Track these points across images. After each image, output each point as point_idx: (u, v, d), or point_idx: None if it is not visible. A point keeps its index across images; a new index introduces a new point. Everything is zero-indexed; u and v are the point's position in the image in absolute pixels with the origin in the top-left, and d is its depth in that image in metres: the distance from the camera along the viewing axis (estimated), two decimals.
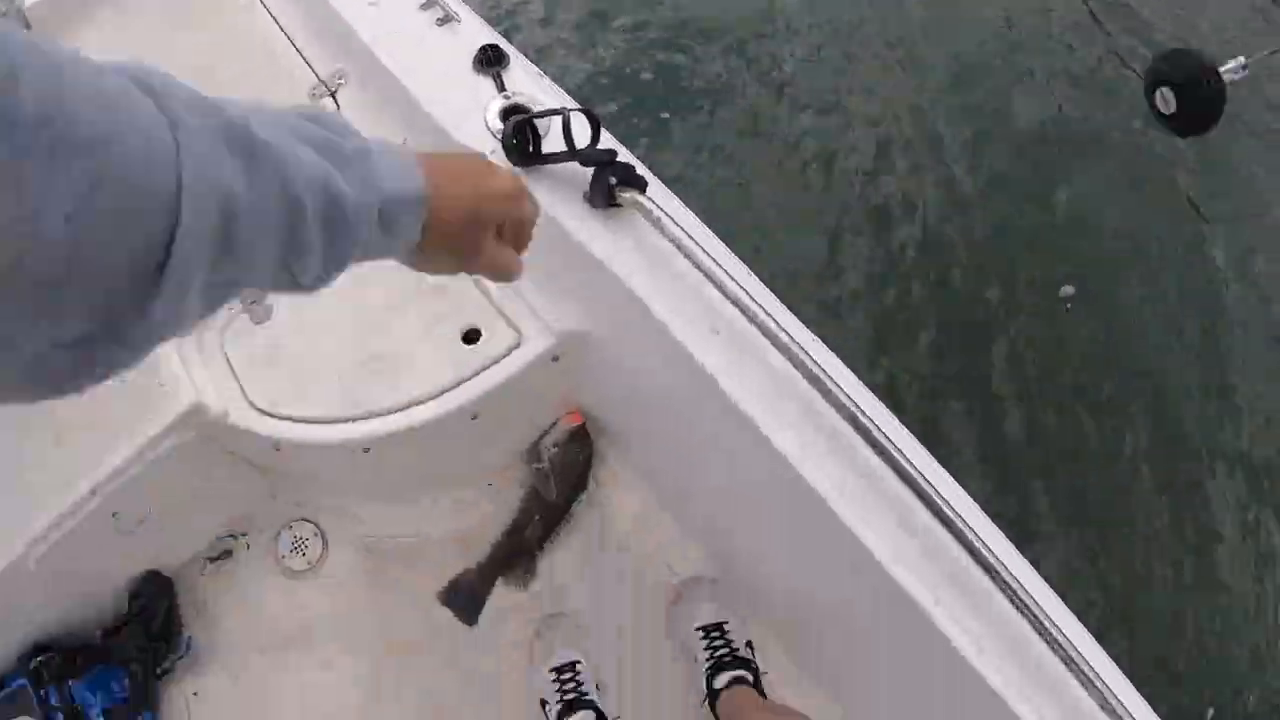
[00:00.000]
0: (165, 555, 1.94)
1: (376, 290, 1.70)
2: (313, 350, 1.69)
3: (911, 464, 1.20)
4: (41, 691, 1.87)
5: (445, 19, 1.83)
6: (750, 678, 1.69)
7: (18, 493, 1.68)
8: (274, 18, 2.18)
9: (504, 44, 1.76)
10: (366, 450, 1.62)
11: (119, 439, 1.65)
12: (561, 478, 1.76)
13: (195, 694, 1.93)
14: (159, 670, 1.93)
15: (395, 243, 0.67)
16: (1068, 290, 2.95)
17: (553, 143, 1.55)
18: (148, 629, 1.92)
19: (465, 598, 1.73)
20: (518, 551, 1.77)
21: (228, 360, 1.72)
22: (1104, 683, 1.10)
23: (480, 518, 1.88)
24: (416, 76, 1.76)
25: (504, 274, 0.81)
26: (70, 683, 1.89)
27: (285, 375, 1.68)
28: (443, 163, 0.71)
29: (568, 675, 1.70)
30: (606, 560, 1.88)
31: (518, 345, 1.62)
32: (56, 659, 1.91)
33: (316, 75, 1.99)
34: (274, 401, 1.66)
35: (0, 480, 1.72)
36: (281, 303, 1.74)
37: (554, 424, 1.81)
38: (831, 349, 1.36)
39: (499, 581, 1.75)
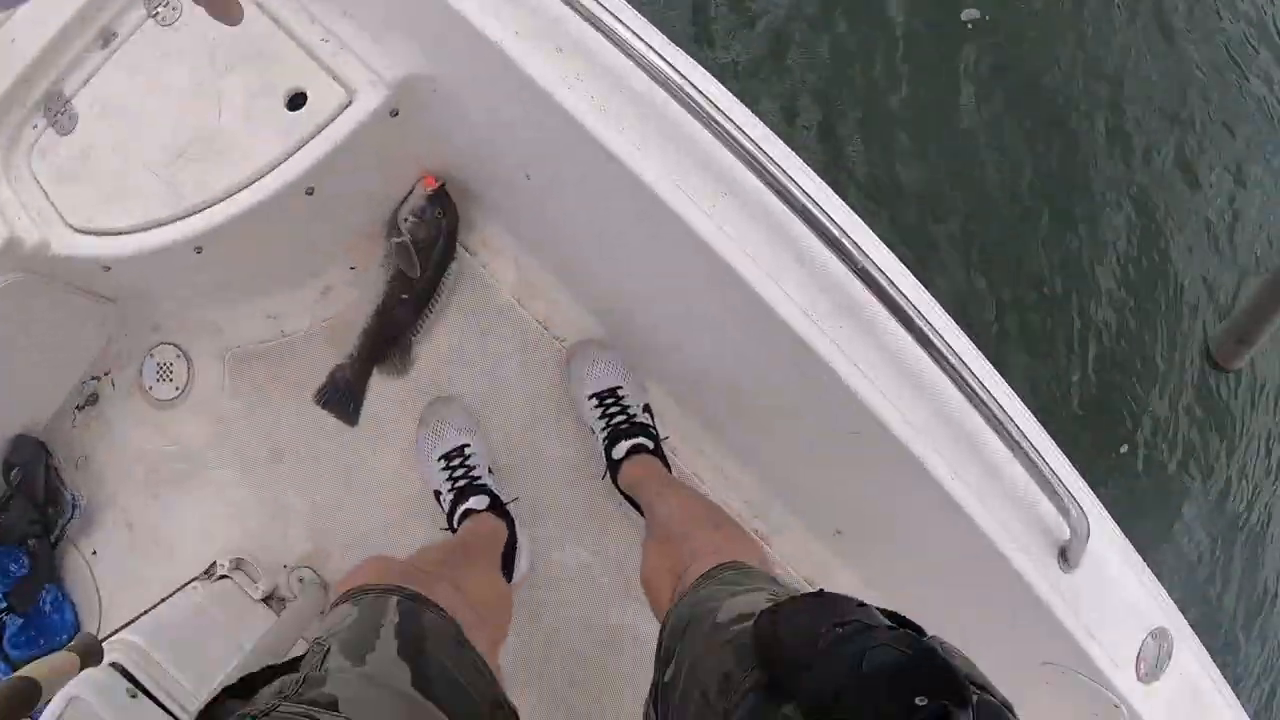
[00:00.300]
0: (30, 416, 1.80)
1: (181, 69, 1.51)
2: (124, 150, 1.50)
3: (795, 184, 1.06)
4: None
5: None
6: (650, 445, 1.60)
7: None
8: None
9: None
10: (199, 250, 1.47)
11: None
12: (424, 251, 1.61)
13: (94, 553, 1.85)
14: (52, 537, 1.83)
15: None
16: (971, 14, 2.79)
17: None
18: (32, 498, 1.82)
19: (342, 395, 1.63)
20: (389, 337, 1.65)
21: (37, 180, 1.54)
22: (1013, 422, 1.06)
23: (344, 306, 1.75)
24: None
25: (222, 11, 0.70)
26: None
27: (100, 184, 1.50)
28: None
29: (457, 461, 1.61)
30: (489, 335, 1.77)
31: (349, 104, 1.45)
32: None
33: None
34: (91, 218, 1.49)
35: None
36: (85, 103, 1.56)
37: (410, 192, 1.65)
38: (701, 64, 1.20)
39: (374, 373, 1.63)
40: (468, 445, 1.62)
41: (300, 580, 1.72)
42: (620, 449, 1.57)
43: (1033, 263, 2.64)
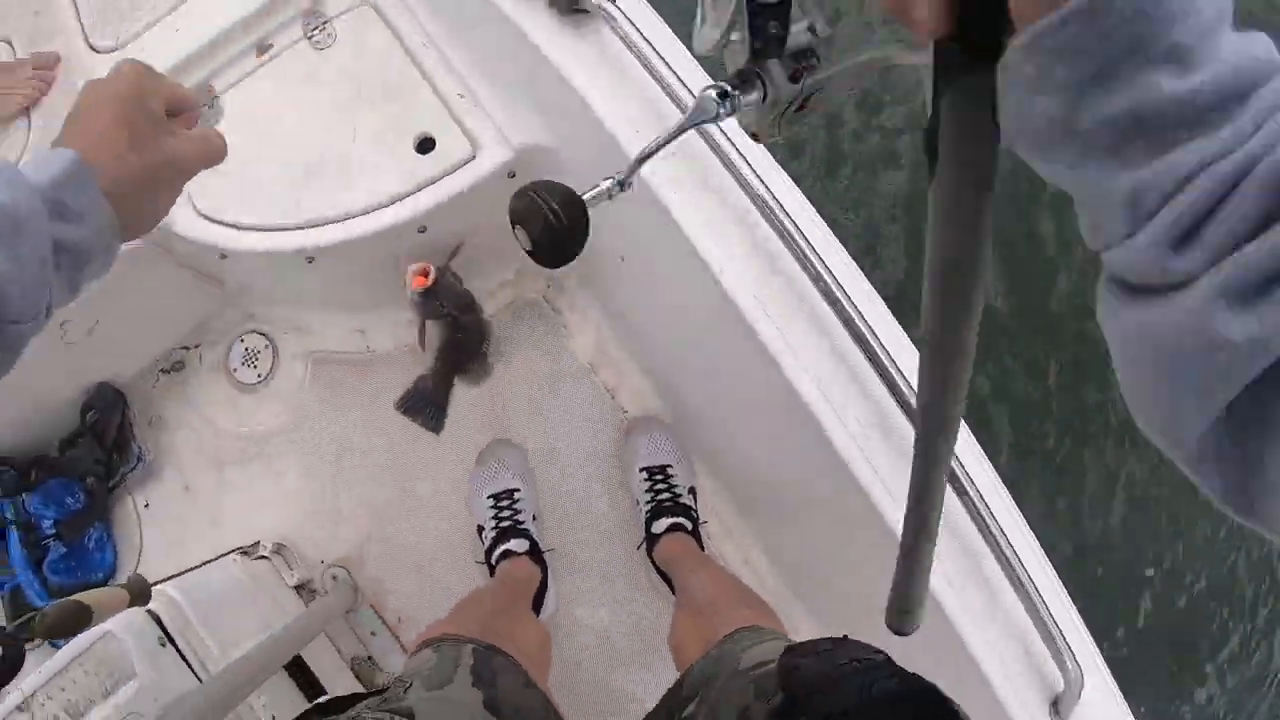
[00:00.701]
0: (117, 367, 1.92)
1: (325, 92, 1.62)
2: (261, 155, 1.62)
3: (864, 320, 1.15)
4: None
5: None
6: (689, 525, 1.66)
7: None
8: None
9: None
10: (310, 260, 1.58)
11: None
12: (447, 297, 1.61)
13: (146, 505, 1.95)
14: (111, 483, 1.94)
15: (90, 222, 0.62)
16: None
17: None
18: (101, 441, 1.93)
19: (426, 403, 1.70)
20: (466, 351, 1.71)
21: None
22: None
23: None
24: None
25: (213, 154, 0.77)
26: (24, 496, 1.90)
27: (232, 181, 1.61)
28: (71, 126, 0.66)
29: (505, 503, 1.68)
30: (559, 392, 1.85)
31: (473, 158, 1.55)
32: (10, 473, 1.92)
33: None
34: (219, 208, 1.60)
35: None
36: (231, 105, 1.67)
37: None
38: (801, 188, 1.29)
39: (455, 385, 1.71)
40: (518, 490, 1.70)
41: (334, 578, 1.80)
42: (660, 524, 1.64)
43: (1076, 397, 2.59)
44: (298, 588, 1.80)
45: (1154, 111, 0.33)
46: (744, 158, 1.23)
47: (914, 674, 0.76)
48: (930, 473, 0.60)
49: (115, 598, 1.36)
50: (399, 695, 0.90)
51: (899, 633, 0.79)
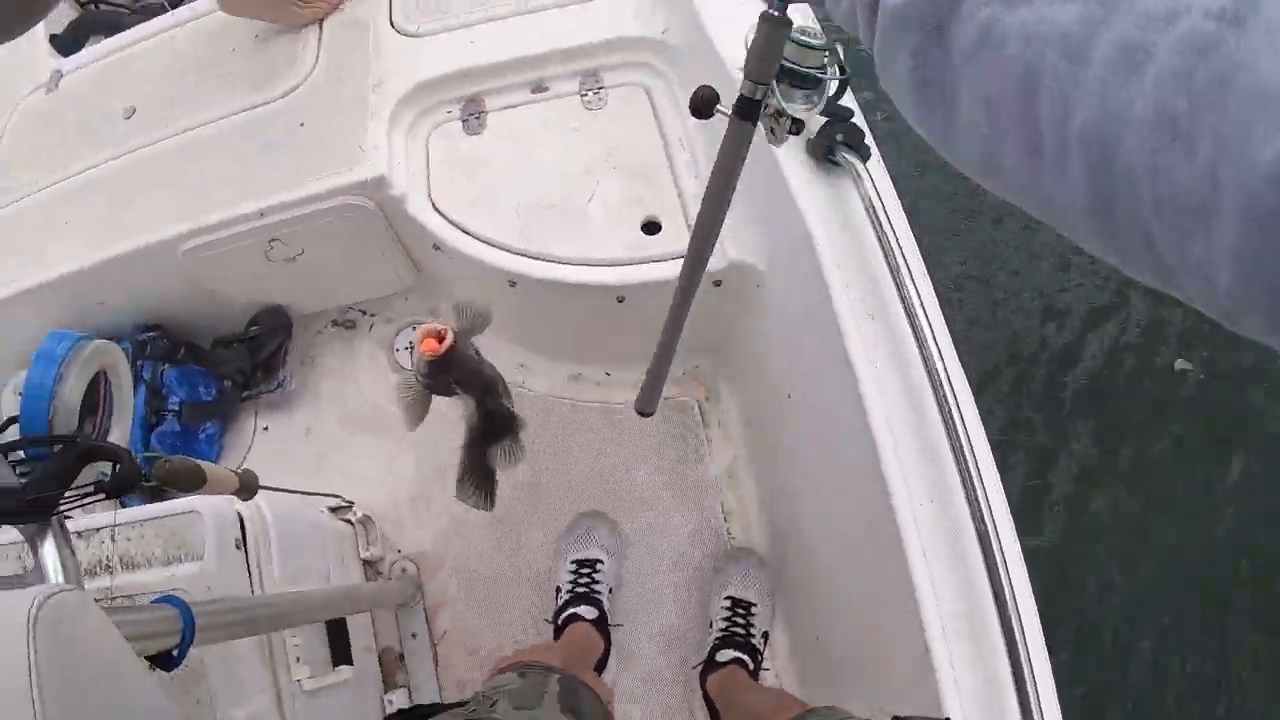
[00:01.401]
0: (297, 299, 2.07)
1: (580, 147, 1.77)
2: (506, 176, 1.76)
3: (991, 515, 1.20)
4: (139, 362, 2.03)
5: None
6: (750, 665, 1.68)
7: (197, 193, 1.83)
8: None
9: None
10: (513, 284, 1.69)
11: (304, 177, 1.76)
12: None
13: (265, 429, 2.07)
14: (245, 393, 2.07)
15: None
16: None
17: None
18: (253, 354, 2.07)
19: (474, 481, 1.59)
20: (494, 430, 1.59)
21: (427, 152, 1.82)
22: None
23: (576, 390, 1.95)
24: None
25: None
26: (165, 366, 2.04)
27: (472, 188, 1.76)
28: None
29: (587, 570, 1.74)
30: (678, 495, 1.90)
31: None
32: (163, 341, 2.06)
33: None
34: (452, 206, 1.75)
35: (189, 176, 1.86)
36: (497, 123, 1.83)
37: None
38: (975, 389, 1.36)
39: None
40: (602, 561, 1.76)
41: (403, 570, 1.89)
42: (725, 655, 1.66)
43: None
44: (366, 563, 1.88)
45: None
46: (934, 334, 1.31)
47: None
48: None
49: (226, 480, 1.42)
50: (486, 709, 0.95)
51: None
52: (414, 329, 2.01)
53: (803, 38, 0.93)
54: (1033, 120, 0.46)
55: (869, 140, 1.54)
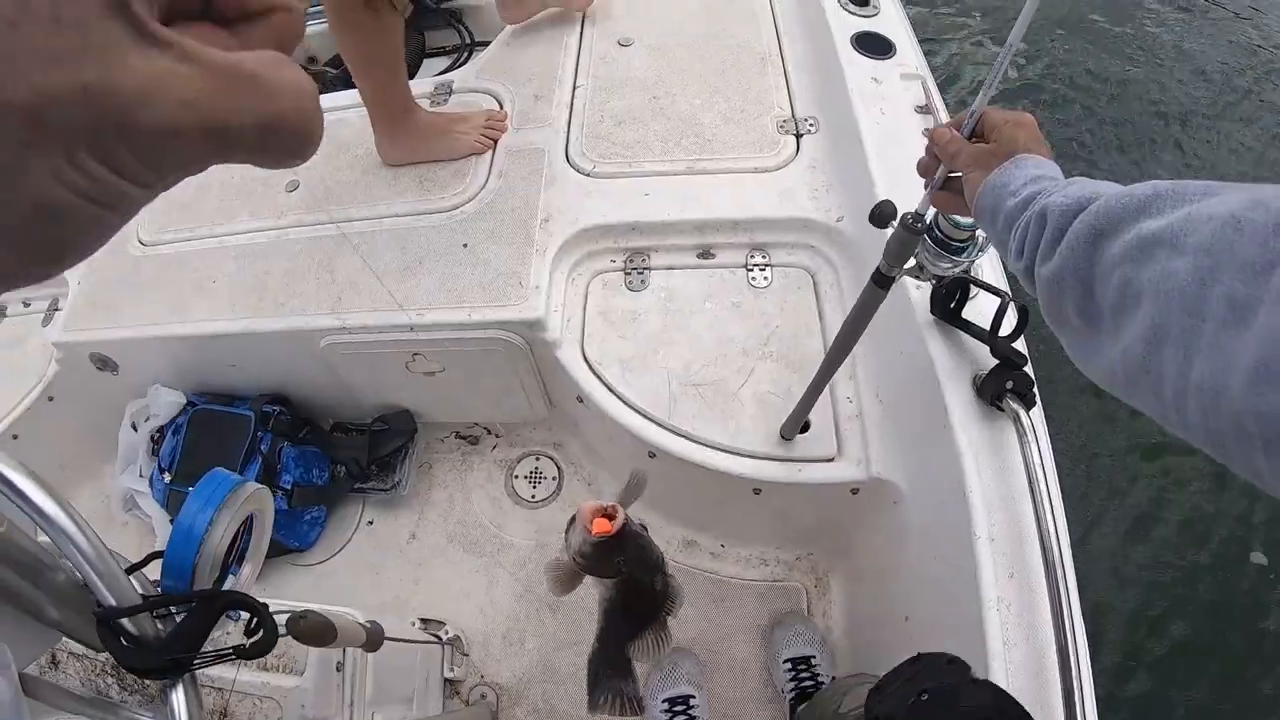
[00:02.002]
0: (427, 407, 2.09)
1: (738, 325, 1.77)
2: (661, 341, 1.77)
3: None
4: (260, 434, 2.06)
5: None
6: None
7: (348, 287, 1.86)
8: (779, 38, 2.27)
9: None
10: (652, 455, 1.69)
11: (460, 301, 1.78)
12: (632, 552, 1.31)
13: (370, 523, 2.09)
14: (357, 485, 2.09)
15: None
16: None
17: (976, 313, 1.57)
18: (371, 449, 2.09)
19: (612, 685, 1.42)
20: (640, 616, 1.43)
21: (586, 300, 1.83)
22: None
23: (689, 556, 1.94)
24: (880, 165, 1.77)
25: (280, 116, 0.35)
26: (285, 444, 2.07)
27: (625, 347, 1.77)
28: None
29: (680, 708, 1.74)
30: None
31: (831, 459, 1.65)
32: (286, 418, 2.10)
33: (792, 110, 2.06)
34: (602, 361, 1.75)
35: (343, 268, 1.90)
36: (660, 281, 1.84)
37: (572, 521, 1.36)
38: None
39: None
40: (694, 697, 1.75)
41: (482, 696, 1.88)
42: (802, 707, 1.67)
43: None
44: (447, 680, 1.88)
45: (1005, 213, 0.81)
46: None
47: (985, 682, 0.89)
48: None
49: (355, 633, 1.45)
50: None
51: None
52: (537, 456, 2.04)
53: (955, 217, 1.14)
54: (1158, 368, 0.53)
55: (1036, 390, 1.53)
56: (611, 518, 1.24)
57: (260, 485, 1.19)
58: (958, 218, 1.16)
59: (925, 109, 1.90)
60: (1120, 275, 0.57)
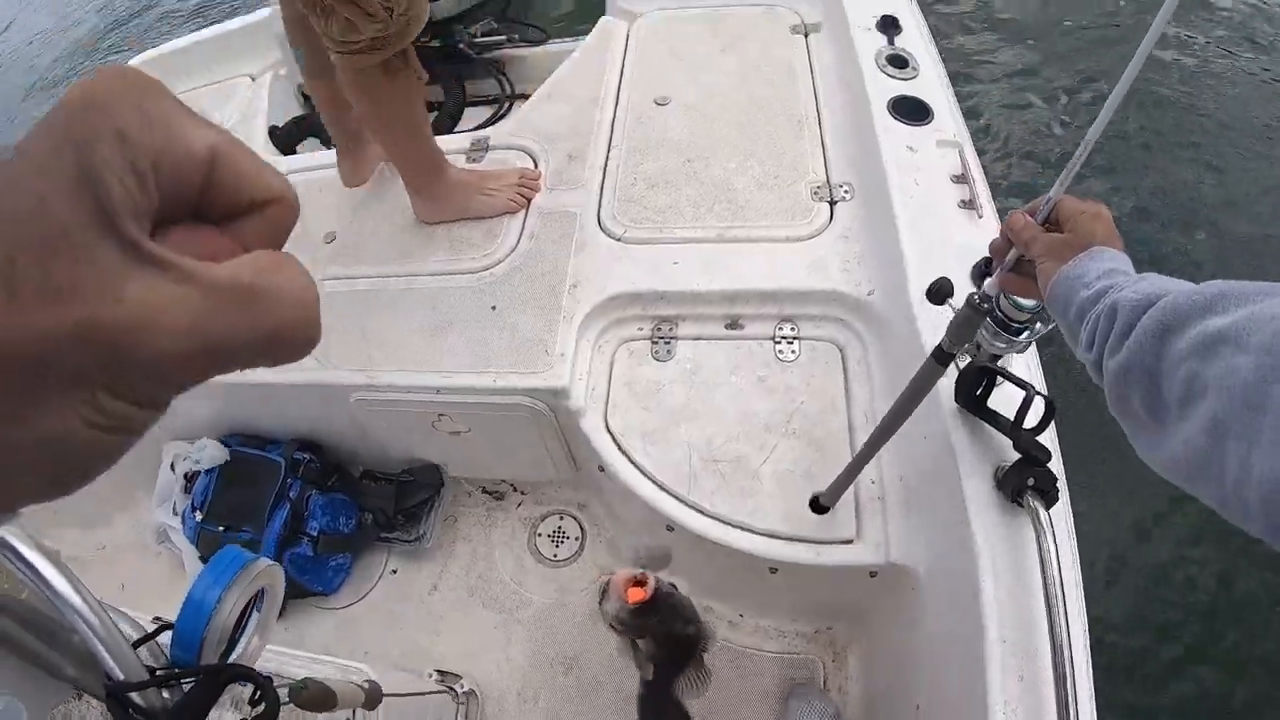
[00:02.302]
0: (453, 463, 2.12)
1: (763, 400, 1.77)
2: (684, 414, 1.77)
3: None
4: (289, 480, 2.10)
5: (969, 204, 1.84)
6: None
7: (379, 344, 1.90)
8: (817, 101, 2.27)
9: None
10: (670, 529, 1.70)
11: (486, 366, 1.81)
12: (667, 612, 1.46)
13: (394, 572, 2.12)
14: (383, 534, 2.12)
15: None
16: None
17: (1001, 404, 1.55)
18: (399, 496, 2.12)
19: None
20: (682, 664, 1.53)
21: (611, 368, 1.84)
22: None
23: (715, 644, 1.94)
24: (913, 237, 1.77)
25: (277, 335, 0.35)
26: (314, 491, 2.11)
27: (649, 419, 1.77)
28: None
29: None
30: None
31: (849, 542, 1.64)
32: (316, 466, 2.14)
33: (827, 176, 2.06)
34: (625, 432, 1.76)
35: (375, 324, 1.93)
36: (685, 350, 1.85)
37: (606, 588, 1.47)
38: None
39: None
40: None
41: None
42: None
43: None
44: None
45: (1077, 304, 0.83)
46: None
47: None
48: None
49: (355, 697, 1.49)
50: None
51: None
52: (561, 517, 2.05)
53: (1018, 299, 1.16)
54: (1220, 460, 0.55)
55: (1061, 485, 1.51)
56: (643, 584, 1.34)
57: (272, 562, 1.22)
58: (1020, 299, 1.18)
59: (961, 178, 1.89)
60: (1186, 369, 0.61)
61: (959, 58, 4.61)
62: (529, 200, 2.08)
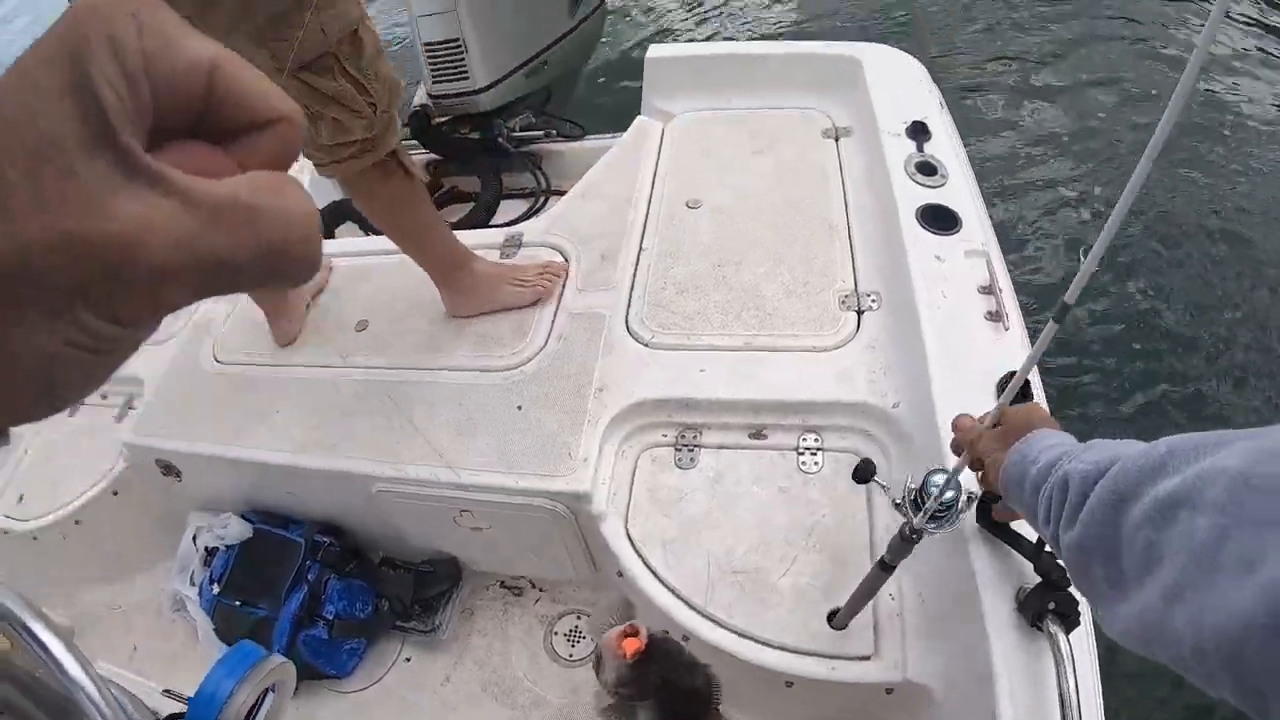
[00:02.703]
0: (473, 557, 2.13)
1: (784, 512, 1.77)
2: (705, 524, 1.78)
3: None
4: (308, 562, 2.12)
5: (995, 315, 1.84)
6: None
7: (403, 436, 1.92)
8: (847, 207, 2.31)
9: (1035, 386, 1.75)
10: (686, 638, 1.70)
11: (508, 466, 1.83)
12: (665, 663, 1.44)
13: (408, 660, 2.12)
14: (399, 622, 2.13)
15: None
16: None
17: (1025, 527, 1.55)
18: (418, 585, 2.13)
19: None
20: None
21: (634, 475, 1.86)
22: None
23: None
24: (938, 349, 1.79)
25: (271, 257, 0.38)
26: (332, 575, 2.13)
27: (669, 528, 1.78)
28: None
29: None
30: None
31: (867, 658, 1.63)
32: (336, 549, 2.16)
33: (855, 285, 2.09)
34: (645, 540, 1.77)
35: (401, 416, 1.97)
36: (709, 460, 1.86)
37: (599, 658, 1.50)
38: None
39: None
40: None
41: None
42: None
43: None
44: None
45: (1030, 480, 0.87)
46: None
47: None
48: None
49: None
50: None
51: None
52: (580, 617, 2.05)
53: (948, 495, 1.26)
54: (1173, 632, 0.54)
55: (1083, 608, 1.50)
56: (635, 634, 1.35)
57: (284, 660, 1.25)
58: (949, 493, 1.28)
59: (988, 289, 1.91)
60: (1143, 538, 0.60)
61: (988, 160, 4.64)
62: (560, 281, 2.13)
